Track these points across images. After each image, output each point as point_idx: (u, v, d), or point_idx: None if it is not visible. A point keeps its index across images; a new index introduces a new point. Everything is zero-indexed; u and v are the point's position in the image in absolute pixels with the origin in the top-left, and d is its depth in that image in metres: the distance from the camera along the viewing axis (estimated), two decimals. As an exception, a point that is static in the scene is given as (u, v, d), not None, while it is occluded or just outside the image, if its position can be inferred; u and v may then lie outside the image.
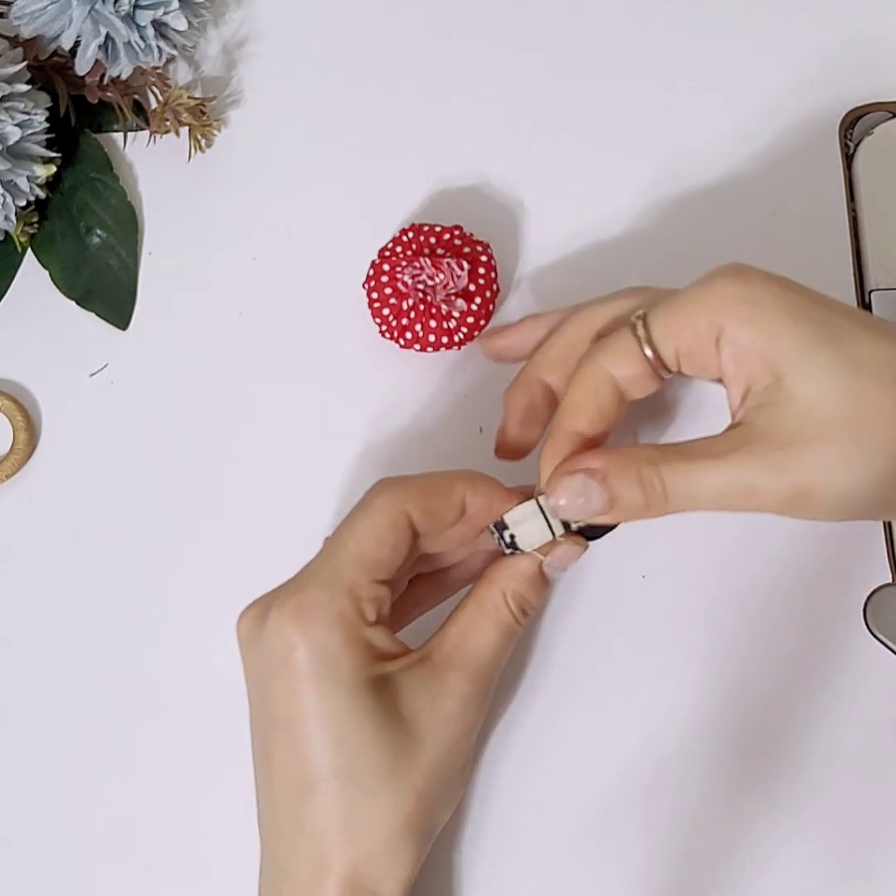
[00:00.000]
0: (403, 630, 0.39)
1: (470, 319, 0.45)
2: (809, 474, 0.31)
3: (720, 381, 0.35)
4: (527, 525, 0.36)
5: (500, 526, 0.36)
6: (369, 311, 0.45)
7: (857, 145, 0.50)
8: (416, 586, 0.39)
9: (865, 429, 0.31)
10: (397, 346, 0.45)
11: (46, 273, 0.49)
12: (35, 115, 0.45)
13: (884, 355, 0.32)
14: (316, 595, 0.34)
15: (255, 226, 0.49)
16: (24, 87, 0.45)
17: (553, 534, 0.36)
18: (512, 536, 0.36)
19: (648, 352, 0.34)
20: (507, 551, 0.36)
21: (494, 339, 0.42)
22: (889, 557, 0.43)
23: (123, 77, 0.48)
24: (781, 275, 0.34)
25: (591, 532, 0.36)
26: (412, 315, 0.44)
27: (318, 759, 0.33)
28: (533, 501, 0.36)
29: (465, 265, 0.44)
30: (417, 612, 0.39)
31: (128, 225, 0.49)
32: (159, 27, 0.47)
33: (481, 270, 0.45)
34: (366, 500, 0.36)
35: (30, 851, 0.42)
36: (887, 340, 0.32)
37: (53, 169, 0.47)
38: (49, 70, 0.48)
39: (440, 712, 0.34)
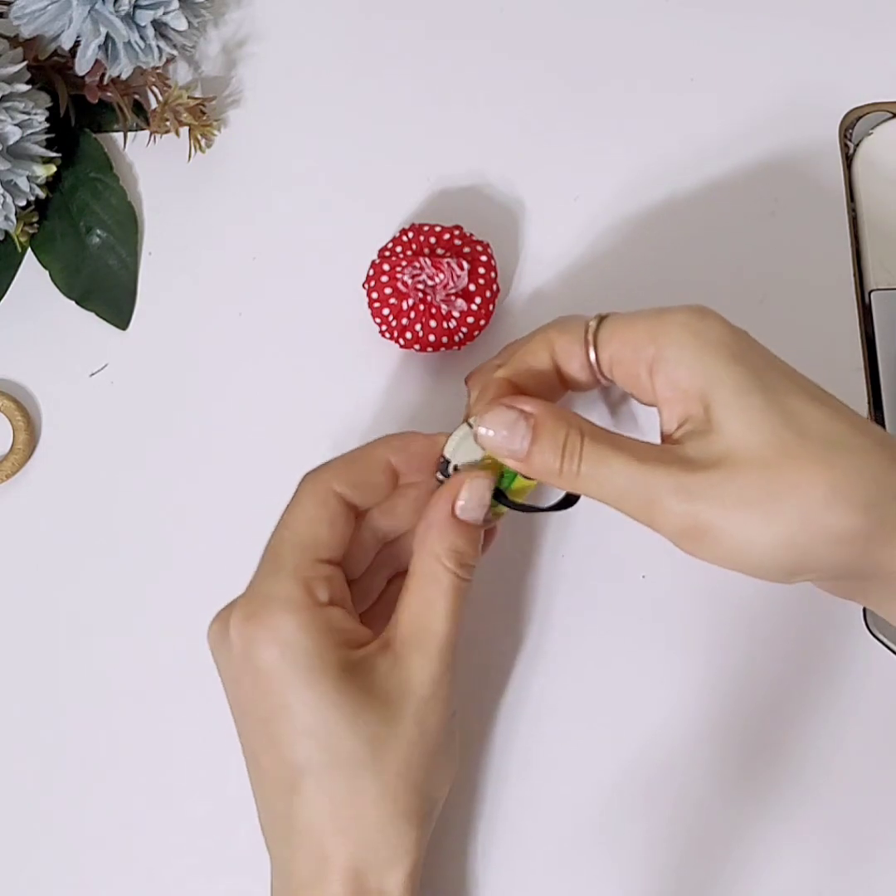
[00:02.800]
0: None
1: (470, 319, 0.45)
2: (713, 509, 0.31)
3: (651, 403, 0.35)
4: (464, 447, 0.36)
5: (443, 465, 0.36)
6: (369, 311, 0.45)
7: (857, 145, 0.50)
8: (396, 584, 0.39)
9: (782, 482, 0.31)
10: (397, 346, 0.45)
11: (46, 273, 0.49)
12: (35, 115, 0.45)
13: (814, 416, 0.32)
14: (264, 588, 0.34)
15: (255, 226, 0.49)
16: (24, 87, 0.45)
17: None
18: (455, 468, 0.36)
19: (591, 350, 0.35)
20: None
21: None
22: (889, 557, 0.43)
23: (123, 77, 0.48)
24: (740, 328, 0.34)
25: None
26: (412, 315, 0.44)
27: (297, 755, 0.33)
28: (464, 425, 0.36)
29: (465, 265, 0.44)
30: (383, 577, 0.39)
31: (128, 225, 0.49)
32: (159, 27, 0.47)
33: (481, 270, 0.45)
34: (295, 492, 0.36)
35: (29, 851, 0.42)
36: (822, 407, 0.32)
37: (53, 169, 0.47)
38: (49, 70, 0.48)
39: (411, 695, 0.34)
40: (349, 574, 0.37)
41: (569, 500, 0.36)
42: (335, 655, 0.33)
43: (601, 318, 0.36)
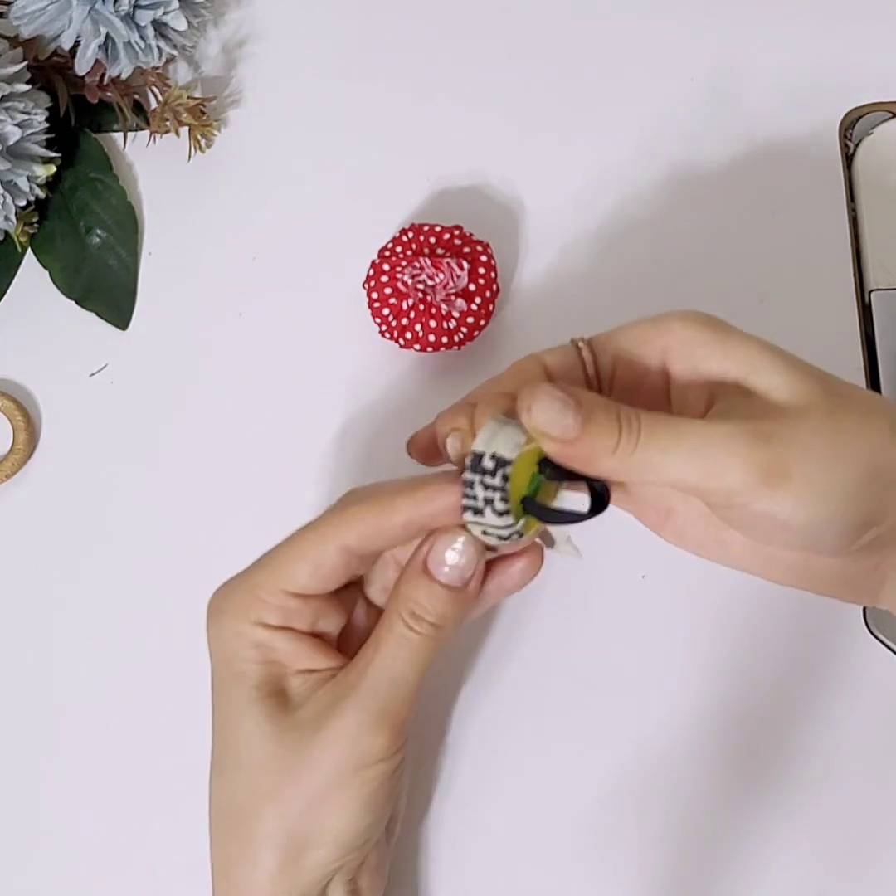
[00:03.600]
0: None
1: (470, 319, 0.45)
2: (795, 449, 0.30)
3: (654, 403, 0.34)
4: (500, 438, 0.31)
5: (473, 462, 0.31)
6: (369, 311, 0.45)
7: (857, 145, 0.50)
8: None
9: (849, 422, 0.31)
10: (397, 346, 0.45)
11: (46, 273, 0.49)
12: (35, 115, 0.45)
13: (841, 380, 0.32)
14: (231, 587, 0.35)
15: (255, 226, 0.49)
16: (24, 87, 0.45)
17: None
18: (494, 458, 0.31)
19: (587, 353, 0.34)
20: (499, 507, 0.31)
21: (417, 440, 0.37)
22: (889, 557, 0.43)
23: (123, 77, 0.48)
24: (789, 336, 0.34)
25: (551, 516, 0.33)
26: (412, 315, 0.44)
27: (216, 752, 0.35)
28: (490, 422, 0.31)
29: (465, 265, 0.44)
30: None
31: (128, 225, 0.49)
32: (159, 27, 0.47)
33: (481, 270, 0.45)
34: (322, 516, 0.34)
35: (28, 850, 0.42)
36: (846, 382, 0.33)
37: (53, 169, 0.47)
38: (49, 70, 0.48)
39: (321, 727, 0.33)
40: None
41: (598, 503, 0.32)
42: (261, 670, 0.34)
43: (587, 339, 0.34)
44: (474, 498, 0.31)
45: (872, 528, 0.32)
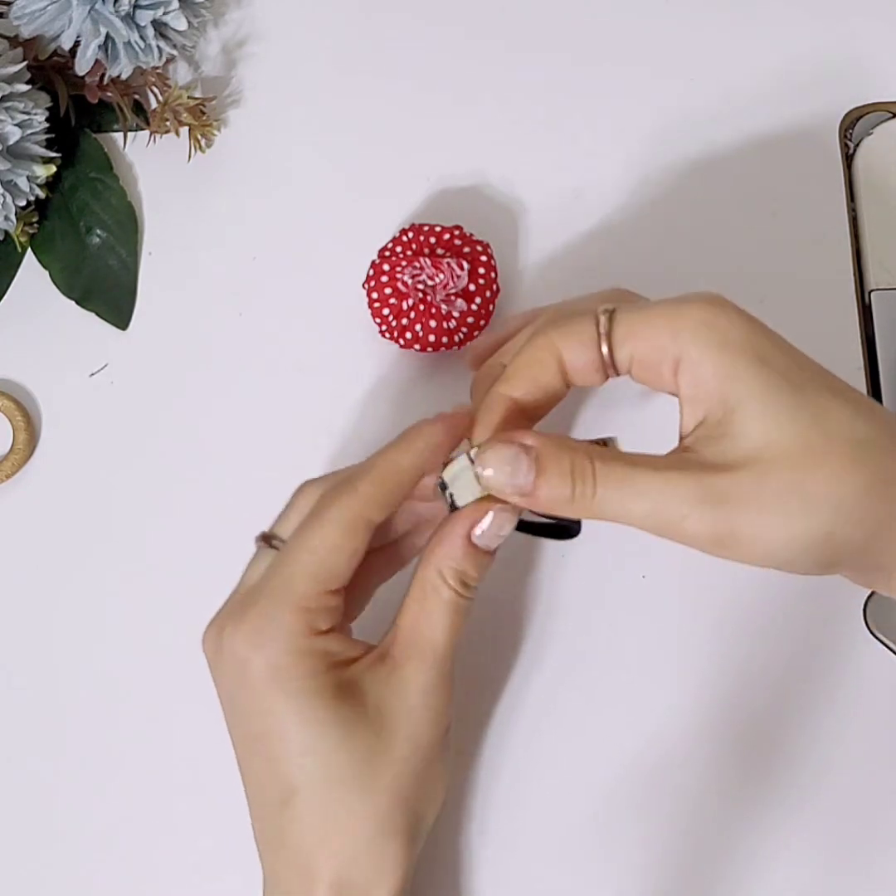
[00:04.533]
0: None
1: (470, 319, 0.45)
2: (745, 512, 0.30)
3: (671, 394, 0.34)
4: (460, 482, 0.34)
5: (442, 485, 0.34)
6: (369, 311, 0.45)
7: (857, 145, 0.50)
8: (369, 560, 0.37)
9: (810, 482, 0.30)
10: (397, 346, 0.45)
11: (46, 273, 0.49)
12: (35, 115, 0.45)
13: (838, 415, 0.31)
14: (266, 611, 0.34)
15: (255, 226, 0.49)
16: (24, 87, 0.45)
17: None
18: (451, 496, 0.34)
19: (604, 347, 0.34)
20: (451, 510, 0.35)
21: (478, 346, 0.41)
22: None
23: (123, 77, 0.48)
24: (756, 317, 0.33)
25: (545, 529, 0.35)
26: (412, 315, 0.44)
27: (290, 771, 0.33)
28: (464, 456, 0.34)
29: (465, 265, 0.44)
30: (373, 585, 0.39)
31: (128, 225, 0.49)
32: (159, 27, 0.47)
33: (481, 270, 0.45)
34: (318, 512, 0.34)
35: (27, 850, 0.42)
36: (846, 404, 0.32)
37: (53, 169, 0.47)
38: (49, 70, 0.48)
39: (405, 707, 0.34)
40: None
41: (567, 529, 0.35)
42: (328, 678, 0.33)
43: (610, 313, 0.34)
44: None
45: (840, 566, 0.32)
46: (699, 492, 0.31)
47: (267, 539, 0.37)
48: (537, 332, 0.35)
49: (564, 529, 0.36)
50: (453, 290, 0.44)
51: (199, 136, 0.50)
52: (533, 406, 0.35)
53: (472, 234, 0.46)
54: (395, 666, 0.34)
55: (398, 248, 0.45)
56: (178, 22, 0.47)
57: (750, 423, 0.31)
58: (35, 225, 0.49)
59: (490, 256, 0.46)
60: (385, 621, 0.36)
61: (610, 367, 0.34)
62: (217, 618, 0.36)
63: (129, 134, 0.50)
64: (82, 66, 0.47)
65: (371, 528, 0.34)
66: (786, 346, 0.33)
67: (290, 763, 0.33)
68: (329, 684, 0.33)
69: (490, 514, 0.34)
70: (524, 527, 0.36)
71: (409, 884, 0.35)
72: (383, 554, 0.39)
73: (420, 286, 0.44)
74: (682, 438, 0.33)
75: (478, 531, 0.34)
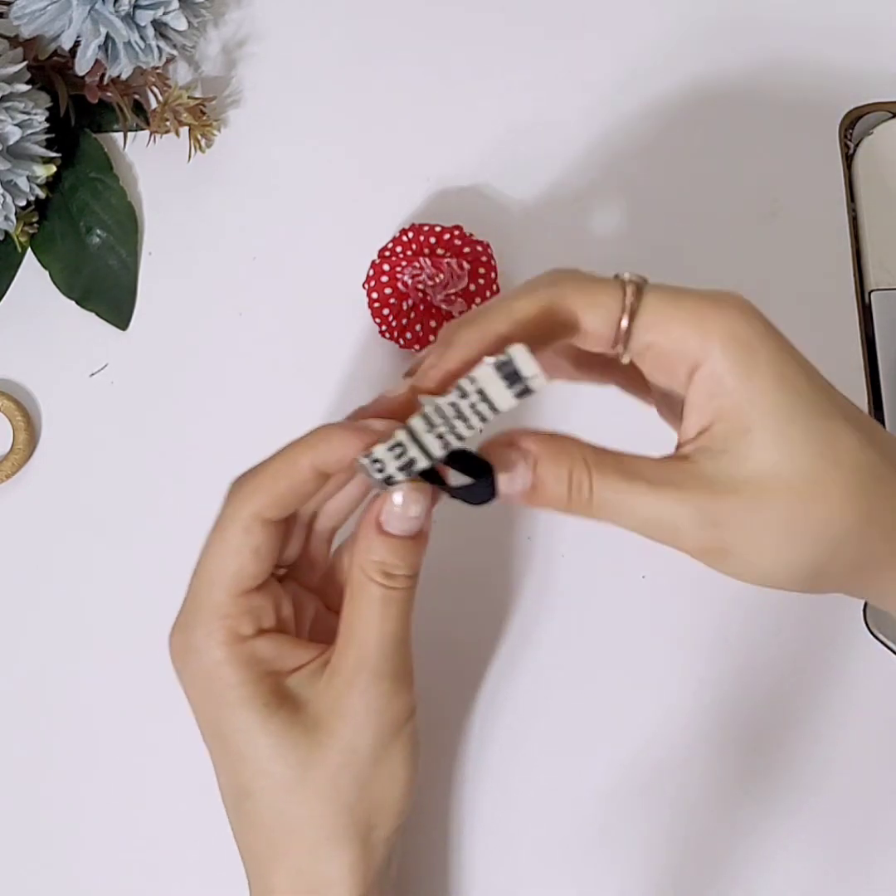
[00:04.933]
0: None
1: (470, 319, 0.45)
2: (738, 536, 0.30)
3: (670, 394, 0.33)
4: (389, 458, 0.31)
5: (374, 460, 0.31)
6: (369, 311, 0.45)
7: (857, 145, 0.50)
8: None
9: (808, 515, 0.30)
10: (397, 346, 0.45)
11: (46, 273, 0.49)
12: (35, 115, 0.45)
13: (848, 443, 0.31)
14: (187, 622, 0.33)
15: (255, 226, 0.49)
16: (24, 87, 0.45)
17: (426, 457, 0.31)
18: (380, 472, 0.31)
19: (625, 320, 0.31)
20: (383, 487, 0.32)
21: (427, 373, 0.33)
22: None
23: (123, 77, 0.48)
24: (778, 331, 0.32)
25: (465, 494, 0.32)
26: (412, 315, 0.44)
27: (238, 779, 0.33)
28: (487, 367, 0.30)
29: (465, 265, 0.44)
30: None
31: (128, 225, 0.49)
32: (159, 27, 0.47)
33: (481, 270, 0.45)
34: (220, 513, 0.34)
35: (26, 851, 0.42)
36: (856, 432, 0.31)
37: (53, 169, 0.47)
38: (49, 70, 0.48)
39: (342, 711, 0.33)
40: (307, 580, 0.36)
41: (480, 495, 0.32)
42: (260, 687, 0.33)
43: (637, 290, 0.31)
44: (380, 464, 0.31)
45: (831, 590, 0.32)
46: (695, 515, 0.30)
47: None
48: (551, 283, 0.32)
49: (478, 493, 0.32)
50: (453, 290, 0.44)
51: (199, 136, 0.50)
52: (535, 338, 0.32)
53: (472, 234, 0.46)
54: (332, 670, 0.33)
55: (398, 248, 0.45)
56: (178, 22, 0.47)
57: (758, 447, 0.30)
58: (35, 225, 0.49)
59: (490, 256, 0.46)
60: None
61: (620, 344, 0.32)
62: (174, 624, 0.35)
63: (129, 134, 0.50)
64: (82, 66, 0.47)
65: (268, 525, 0.33)
66: (804, 366, 0.32)
67: (235, 767, 0.33)
68: (261, 693, 0.33)
69: (393, 496, 0.32)
70: (432, 477, 0.32)
71: (371, 893, 0.34)
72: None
73: (420, 286, 0.44)
74: (680, 444, 0.33)
75: (383, 516, 0.32)
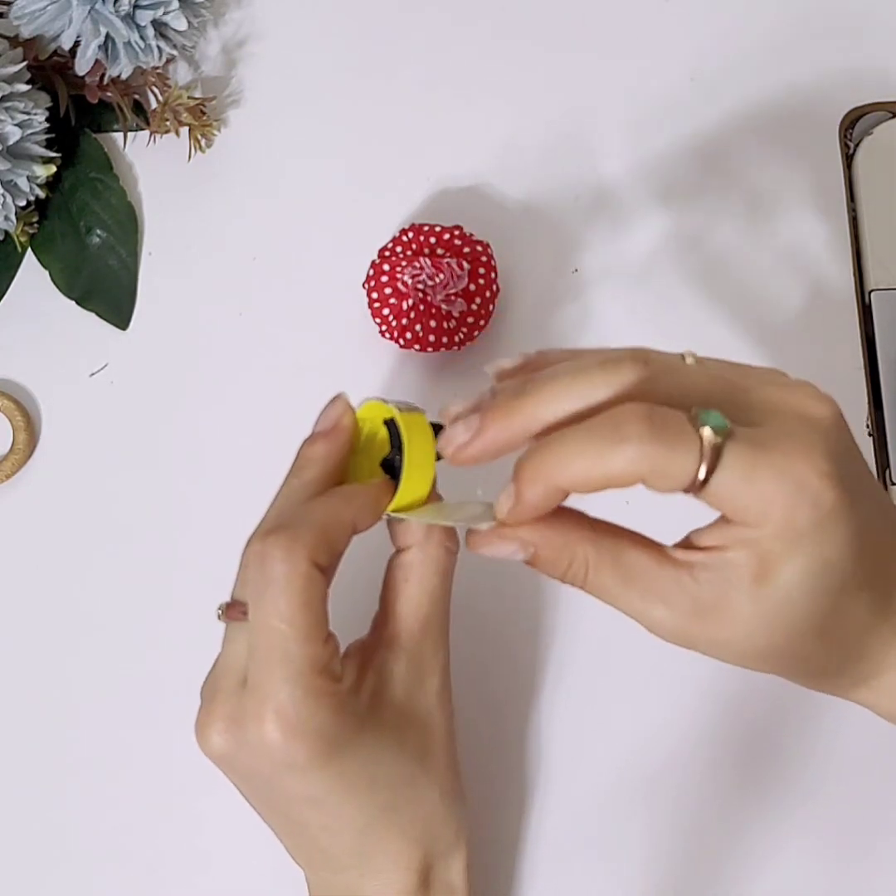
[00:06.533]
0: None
1: (470, 319, 0.45)
2: (703, 646, 0.31)
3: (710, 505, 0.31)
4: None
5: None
6: (369, 311, 0.45)
7: (857, 145, 0.50)
8: None
9: (807, 602, 0.29)
10: (397, 346, 0.45)
11: (46, 273, 0.49)
12: (35, 115, 0.45)
13: (854, 613, 0.30)
14: (287, 694, 0.31)
15: (255, 226, 0.49)
16: (24, 87, 0.45)
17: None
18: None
19: (702, 474, 0.27)
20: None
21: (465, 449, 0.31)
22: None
23: (123, 77, 0.48)
24: (870, 473, 0.30)
25: None
26: (412, 315, 0.44)
27: (365, 808, 0.33)
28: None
29: (465, 265, 0.44)
30: None
31: (128, 225, 0.49)
32: (159, 27, 0.47)
33: (481, 270, 0.45)
34: (276, 576, 0.31)
35: (29, 850, 0.42)
36: (885, 609, 0.31)
37: (53, 169, 0.47)
38: (49, 70, 0.48)
39: (432, 687, 0.35)
40: None
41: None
42: (351, 718, 0.32)
43: (715, 452, 0.27)
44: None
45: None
46: (674, 631, 0.31)
47: (230, 607, 0.34)
48: (630, 447, 0.27)
49: None
50: (453, 290, 0.44)
51: (199, 136, 0.50)
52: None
53: (472, 234, 0.46)
54: (410, 656, 0.34)
55: (398, 248, 0.45)
56: (178, 22, 0.47)
57: (764, 544, 0.29)
58: (35, 225, 0.49)
59: (490, 256, 0.46)
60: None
61: (693, 492, 0.28)
62: (217, 711, 0.33)
63: (129, 134, 0.50)
64: (82, 66, 0.47)
65: (322, 572, 0.32)
66: (869, 519, 0.30)
67: (361, 803, 0.33)
68: (359, 718, 0.33)
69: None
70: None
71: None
72: None
73: (420, 286, 0.44)
74: (691, 540, 0.31)
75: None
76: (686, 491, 0.28)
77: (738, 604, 0.29)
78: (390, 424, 0.34)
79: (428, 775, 0.34)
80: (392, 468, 0.34)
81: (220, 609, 0.34)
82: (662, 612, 0.31)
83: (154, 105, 0.50)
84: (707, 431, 0.27)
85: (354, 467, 0.35)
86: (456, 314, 0.44)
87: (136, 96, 0.50)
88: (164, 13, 0.46)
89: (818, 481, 0.28)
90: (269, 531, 0.32)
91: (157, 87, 0.50)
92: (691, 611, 0.30)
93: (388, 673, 0.34)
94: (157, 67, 0.49)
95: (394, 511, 0.33)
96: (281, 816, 0.34)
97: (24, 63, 0.45)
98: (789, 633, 0.30)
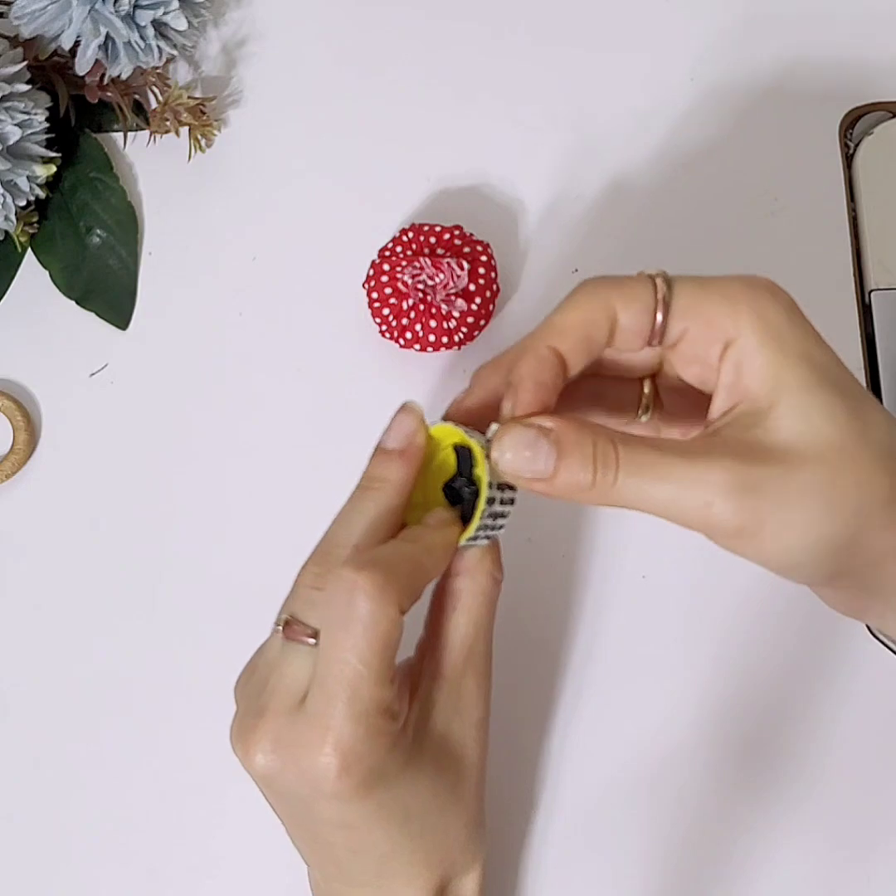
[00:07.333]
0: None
1: (470, 319, 0.45)
2: (775, 503, 0.30)
3: (700, 382, 0.33)
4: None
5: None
6: (369, 311, 0.45)
7: (857, 145, 0.50)
8: None
9: (845, 480, 0.30)
10: (397, 346, 0.45)
11: (46, 273, 0.49)
12: (35, 115, 0.45)
13: (878, 418, 0.31)
14: (350, 732, 0.31)
15: (255, 226, 0.50)
16: (24, 87, 0.45)
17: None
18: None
19: (659, 314, 0.32)
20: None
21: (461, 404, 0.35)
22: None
23: (123, 77, 0.48)
24: (801, 312, 0.33)
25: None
26: (412, 315, 0.44)
27: (394, 836, 0.33)
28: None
29: (465, 265, 0.44)
30: None
31: (128, 225, 0.49)
32: (159, 27, 0.47)
33: (481, 270, 0.45)
34: (356, 610, 0.31)
35: (31, 850, 0.42)
36: (882, 410, 0.31)
37: (53, 169, 0.47)
38: (49, 70, 0.48)
39: (471, 719, 0.35)
40: None
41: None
42: (400, 754, 0.32)
43: (667, 282, 0.32)
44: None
45: (844, 579, 0.32)
46: (728, 479, 0.29)
47: (292, 626, 0.32)
48: (587, 290, 0.32)
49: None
50: (453, 290, 0.44)
51: (199, 136, 0.50)
52: (572, 365, 0.32)
53: (472, 234, 0.46)
54: (452, 686, 0.34)
55: (398, 248, 0.45)
56: (178, 22, 0.47)
57: (786, 419, 0.30)
58: (35, 225, 0.49)
59: (490, 256, 0.46)
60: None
61: (657, 336, 0.32)
62: (266, 735, 0.32)
63: (129, 134, 0.50)
64: (82, 66, 0.47)
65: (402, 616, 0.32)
66: (828, 348, 0.33)
67: (394, 832, 0.33)
68: (409, 752, 0.33)
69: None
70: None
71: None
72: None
73: (420, 286, 0.44)
74: (708, 423, 0.32)
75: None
76: (658, 321, 0.32)
77: (775, 425, 0.31)
78: (460, 451, 0.33)
79: (457, 805, 0.34)
80: (453, 492, 0.33)
81: (278, 624, 0.33)
82: (712, 471, 0.30)
83: (154, 105, 0.50)
84: (651, 269, 0.33)
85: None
86: (456, 314, 0.44)
87: (136, 96, 0.50)
88: (164, 13, 0.46)
89: (767, 282, 0.33)
90: (364, 565, 0.31)
91: (157, 87, 0.50)
92: (741, 459, 0.30)
93: (432, 704, 0.34)
94: (157, 67, 0.49)
95: None
96: (308, 834, 0.34)
97: (24, 63, 0.45)
98: (825, 439, 0.30)
